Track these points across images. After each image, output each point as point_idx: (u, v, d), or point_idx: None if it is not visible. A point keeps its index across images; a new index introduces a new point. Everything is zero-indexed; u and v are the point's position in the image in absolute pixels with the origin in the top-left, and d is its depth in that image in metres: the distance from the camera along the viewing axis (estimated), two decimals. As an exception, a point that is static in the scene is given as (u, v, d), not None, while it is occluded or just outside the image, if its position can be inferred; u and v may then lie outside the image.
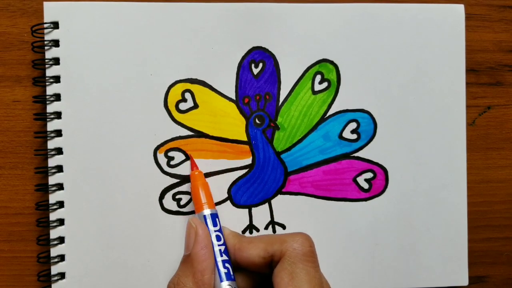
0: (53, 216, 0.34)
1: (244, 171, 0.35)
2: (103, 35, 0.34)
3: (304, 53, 0.35)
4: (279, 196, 0.35)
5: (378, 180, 0.36)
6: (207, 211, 0.30)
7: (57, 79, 0.34)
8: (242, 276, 0.29)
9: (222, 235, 0.30)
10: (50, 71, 0.34)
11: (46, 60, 0.34)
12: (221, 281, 0.28)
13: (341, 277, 0.36)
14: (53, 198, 0.34)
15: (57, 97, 0.34)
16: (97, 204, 0.34)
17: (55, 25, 0.34)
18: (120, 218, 0.34)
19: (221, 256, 0.28)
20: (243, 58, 0.35)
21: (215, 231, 0.29)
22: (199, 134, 0.35)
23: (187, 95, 0.35)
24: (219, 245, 0.29)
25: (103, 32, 0.34)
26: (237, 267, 0.29)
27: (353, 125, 0.36)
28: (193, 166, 0.34)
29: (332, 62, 0.36)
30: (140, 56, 0.34)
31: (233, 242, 0.29)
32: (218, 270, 0.28)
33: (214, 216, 0.30)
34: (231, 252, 0.29)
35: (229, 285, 0.28)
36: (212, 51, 0.35)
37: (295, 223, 0.35)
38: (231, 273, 0.28)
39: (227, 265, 0.28)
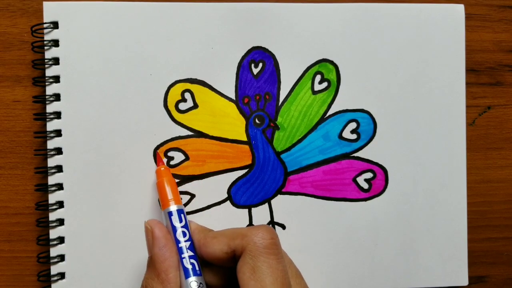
0: (53, 216, 0.34)
1: (244, 171, 0.35)
2: (103, 35, 0.34)
3: (304, 53, 0.35)
4: (279, 196, 0.35)
5: (378, 180, 0.36)
6: (173, 207, 0.30)
7: (57, 79, 0.34)
8: (211, 271, 0.29)
9: (188, 231, 0.29)
10: (50, 71, 0.34)
11: (46, 60, 0.34)
12: (186, 277, 0.27)
13: (340, 277, 0.36)
14: (53, 198, 0.34)
15: (57, 97, 0.34)
16: (97, 204, 0.34)
17: (55, 25, 0.34)
18: (120, 218, 0.34)
19: (186, 252, 0.28)
20: (243, 58, 0.35)
21: (181, 227, 0.29)
22: (198, 134, 0.35)
23: (187, 95, 0.35)
24: (185, 241, 0.29)
25: (103, 32, 0.34)
26: (206, 262, 0.29)
27: (353, 125, 0.36)
28: (159, 162, 0.33)
29: (332, 62, 0.36)
30: (140, 56, 0.34)
31: (198, 238, 0.29)
32: (184, 266, 0.28)
33: (180, 212, 0.30)
34: (197, 248, 0.29)
35: (195, 280, 0.27)
36: (212, 51, 0.35)
37: (295, 223, 0.35)
38: (197, 268, 0.28)
39: (192, 260, 0.28)
